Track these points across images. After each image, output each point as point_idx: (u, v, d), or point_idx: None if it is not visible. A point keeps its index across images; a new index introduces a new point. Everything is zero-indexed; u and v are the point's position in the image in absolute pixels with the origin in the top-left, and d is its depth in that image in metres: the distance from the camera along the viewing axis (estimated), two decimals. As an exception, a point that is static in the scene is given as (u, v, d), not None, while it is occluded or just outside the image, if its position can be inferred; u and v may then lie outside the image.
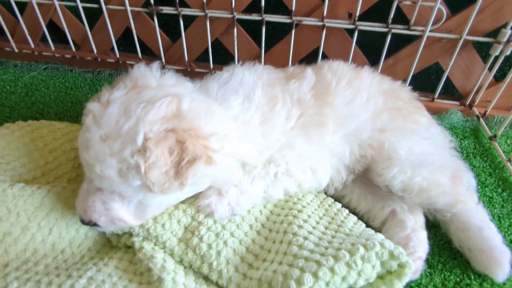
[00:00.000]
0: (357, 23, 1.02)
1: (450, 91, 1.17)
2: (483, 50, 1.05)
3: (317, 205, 0.69)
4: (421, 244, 0.65)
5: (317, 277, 0.48)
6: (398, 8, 0.99)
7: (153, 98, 0.53)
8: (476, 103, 1.09)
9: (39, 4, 1.22)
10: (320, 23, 1.05)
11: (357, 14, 1.00)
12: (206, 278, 0.55)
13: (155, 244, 0.58)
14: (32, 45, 1.35)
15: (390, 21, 1.00)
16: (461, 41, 0.97)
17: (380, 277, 0.53)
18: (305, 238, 0.56)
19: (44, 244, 0.58)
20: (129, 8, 1.15)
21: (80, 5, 1.16)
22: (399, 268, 0.52)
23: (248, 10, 1.11)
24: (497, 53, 0.97)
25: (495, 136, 0.96)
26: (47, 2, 1.21)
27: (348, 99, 0.73)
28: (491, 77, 1.03)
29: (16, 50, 1.36)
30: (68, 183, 0.70)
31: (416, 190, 0.67)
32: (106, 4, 1.16)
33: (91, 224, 0.58)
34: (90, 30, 1.23)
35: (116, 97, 0.54)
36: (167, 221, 0.59)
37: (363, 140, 0.73)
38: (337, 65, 0.80)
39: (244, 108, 0.66)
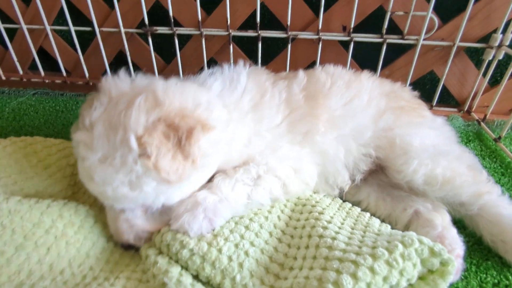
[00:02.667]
0: (352, 35, 1.04)
1: (446, 100, 1.18)
2: (475, 57, 1.08)
3: (336, 208, 0.64)
4: (456, 241, 0.61)
5: (357, 278, 0.43)
6: (391, 20, 1.02)
7: (130, 101, 0.53)
8: (474, 109, 1.10)
9: (30, 30, 1.20)
10: (316, 37, 1.07)
11: (352, 26, 1.03)
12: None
13: (170, 258, 0.52)
14: (21, 72, 1.31)
15: (384, 31, 1.02)
16: (455, 48, 1.00)
17: (421, 277, 0.48)
18: (333, 238, 0.51)
19: (41, 264, 0.50)
20: (123, 30, 1.14)
21: (72, 28, 1.14)
22: (441, 266, 0.47)
23: (243, 28, 1.12)
24: (490, 58, 1.00)
25: (499, 137, 0.96)
26: (38, 27, 1.19)
27: (345, 100, 0.72)
28: (485, 83, 1.05)
29: (3, 78, 1.32)
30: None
31: (440, 182, 0.64)
32: (99, 27, 1.16)
33: (128, 245, 0.58)
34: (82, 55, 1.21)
35: (97, 117, 0.53)
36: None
37: (366, 140, 0.71)
38: (334, 69, 0.78)
39: (228, 89, 0.66)
